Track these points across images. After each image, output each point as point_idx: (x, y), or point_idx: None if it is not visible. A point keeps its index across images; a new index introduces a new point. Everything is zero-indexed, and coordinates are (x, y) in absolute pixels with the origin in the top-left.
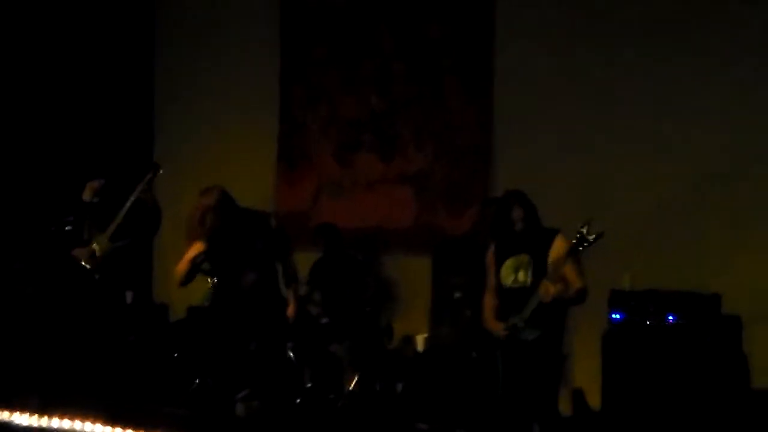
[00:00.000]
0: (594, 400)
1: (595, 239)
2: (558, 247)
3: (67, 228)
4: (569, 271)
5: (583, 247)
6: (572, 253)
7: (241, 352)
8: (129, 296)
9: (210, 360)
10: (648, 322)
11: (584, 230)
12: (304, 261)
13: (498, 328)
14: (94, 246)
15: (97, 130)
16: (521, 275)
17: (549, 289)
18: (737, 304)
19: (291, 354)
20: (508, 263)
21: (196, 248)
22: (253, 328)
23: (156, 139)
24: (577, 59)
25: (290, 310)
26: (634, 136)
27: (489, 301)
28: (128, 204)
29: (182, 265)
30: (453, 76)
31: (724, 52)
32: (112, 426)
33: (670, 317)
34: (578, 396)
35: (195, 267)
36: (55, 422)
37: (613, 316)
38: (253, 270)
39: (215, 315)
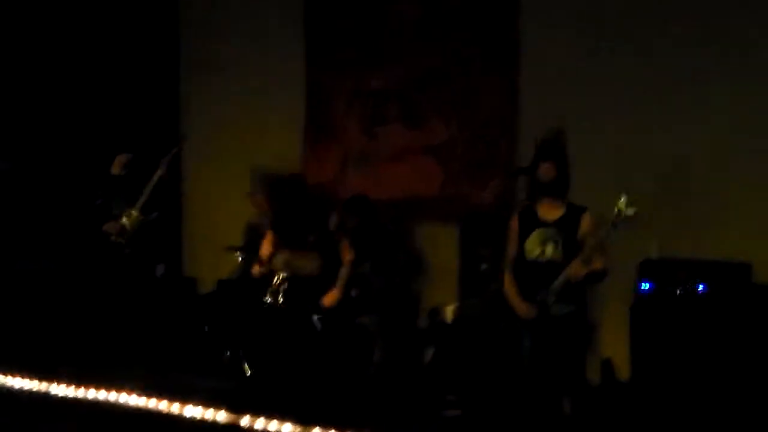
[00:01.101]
0: (623, 370)
1: (634, 213)
2: (586, 225)
3: (97, 202)
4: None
5: (621, 221)
6: (612, 227)
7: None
8: (159, 269)
9: (241, 332)
10: (678, 292)
11: (623, 201)
12: None
13: (524, 309)
14: (124, 220)
15: (124, 105)
16: (549, 249)
17: (579, 271)
18: None
19: (319, 325)
20: (535, 235)
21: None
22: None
23: (182, 112)
24: (605, 29)
25: (329, 297)
26: (664, 104)
27: (509, 278)
28: (156, 177)
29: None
30: (477, 48)
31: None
32: (146, 397)
33: (700, 286)
34: (607, 366)
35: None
36: (91, 393)
37: (643, 285)
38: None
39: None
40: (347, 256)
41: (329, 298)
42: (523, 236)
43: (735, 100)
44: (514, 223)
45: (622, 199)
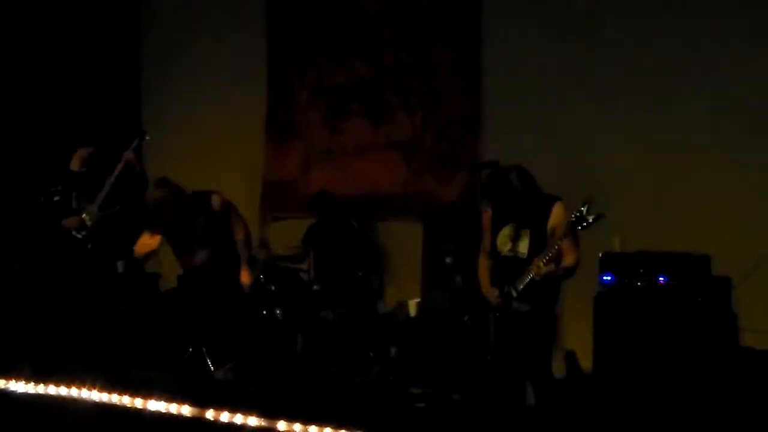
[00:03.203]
0: (586, 361)
1: (594, 220)
2: (557, 214)
3: (55, 198)
4: (565, 243)
5: (582, 226)
6: (570, 231)
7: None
8: (120, 266)
9: (195, 330)
10: (639, 284)
11: (584, 209)
12: (295, 228)
13: (492, 294)
14: (84, 215)
15: (84, 99)
16: (519, 246)
17: (540, 269)
18: (727, 265)
19: (279, 318)
20: (506, 231)
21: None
22: (211, 302)
23: (143, 107)
24: (567, 26)
25: (243, 276)
26: (624, 101)
27: (483, 263)
28: (116, 171)
29: (140, 249)
30: (441, 43)
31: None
32: (107, 393)
33: (661, 278)
34: (570, 358)
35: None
36: (51, 389)
37: (604, 278)
38: (202, 248)
39: (181, 293)
40: (239, 235)
41: (244, 278)
42: (495, 229)
43: (696, 96)
44: (487, 217)
45: (584, 208)
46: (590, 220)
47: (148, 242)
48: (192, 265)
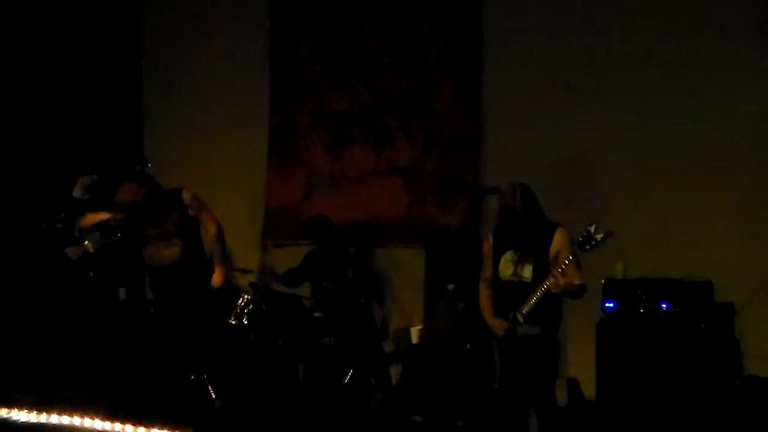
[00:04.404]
0: (589, 389)
1: (603, 239)
2: (558, 240)
3: (58, 225)
4: (569, 267)
5: (591, 246)
6: (579, 250)
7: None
8: (122, 293)
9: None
10: (641, 310)
11: (592, 229)
12: (297, 254)
13: (497, 324)
14: (86, 243)
15: (87, 126)
16: (521, 270)
17: (559, 280)
18: (730, 292)
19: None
20: (508, 256)
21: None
22: (181, 302)
23: (145, 133)
24: (567, 50)
25: (215, 277)
26: (626, 126)
27: (484, 293)
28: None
29: (92, 218)
30: (442, 68)
31: (716, 47)
32: (110, 421)
33: (664, 305)
34: (573, 385)
35: (104, 224)
36: (53, 418)
37: (607, 304)
38: (176, 242)
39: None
40: (211, 230)
41: (216, 278)
42: (497, 257)
43: (698, 121)
44: (487, 246)
45: (592, 227)
46: (599, 239)
47: (99, 216)
48: (162, 261)
